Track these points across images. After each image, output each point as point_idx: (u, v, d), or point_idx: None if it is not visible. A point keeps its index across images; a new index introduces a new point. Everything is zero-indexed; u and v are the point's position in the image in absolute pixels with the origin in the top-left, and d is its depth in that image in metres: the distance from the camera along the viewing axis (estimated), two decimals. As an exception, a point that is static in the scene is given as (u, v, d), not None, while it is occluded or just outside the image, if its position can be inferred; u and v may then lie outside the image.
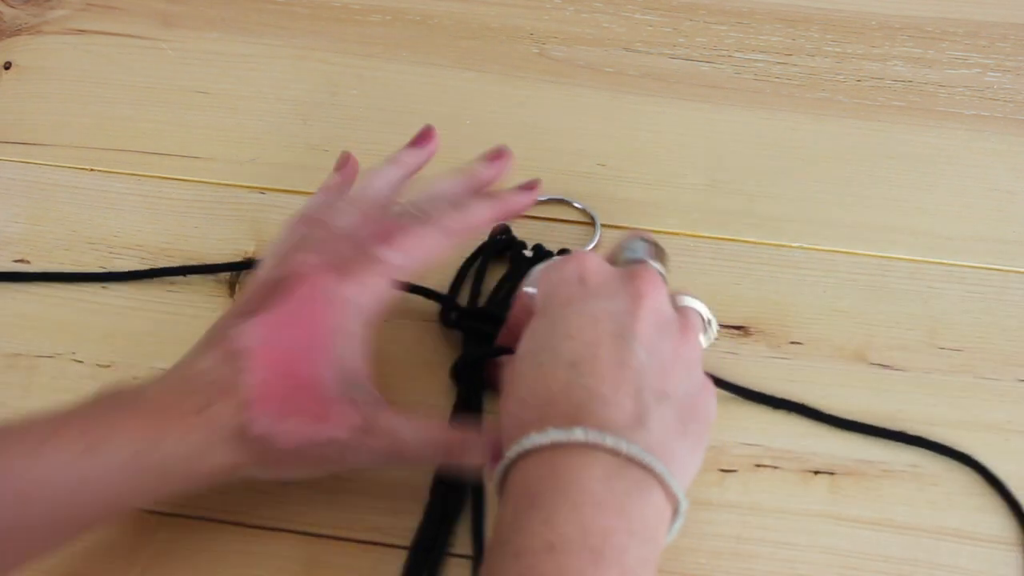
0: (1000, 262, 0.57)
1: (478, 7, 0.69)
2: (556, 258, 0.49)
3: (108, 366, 0.53)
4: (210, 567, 0.46)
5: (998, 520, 0.48)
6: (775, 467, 0.50)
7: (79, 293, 0.56)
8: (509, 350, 0.46)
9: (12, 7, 0.70)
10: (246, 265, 0.56)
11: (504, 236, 0.56)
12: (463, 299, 0.55)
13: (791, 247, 0.58)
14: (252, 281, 0.48)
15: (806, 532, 0.48)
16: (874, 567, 0.47)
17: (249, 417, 0.41)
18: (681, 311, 0.45)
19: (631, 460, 0.37)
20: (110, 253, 0.58)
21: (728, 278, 0.56)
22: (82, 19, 0.69)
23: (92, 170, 0.61)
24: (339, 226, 0.47)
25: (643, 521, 0.37)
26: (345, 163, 0.53)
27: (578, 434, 0.37)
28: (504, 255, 0.56)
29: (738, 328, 0.54)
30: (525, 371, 0.41)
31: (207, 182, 0.61)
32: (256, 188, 0.60)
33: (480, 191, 0.50)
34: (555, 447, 0.38)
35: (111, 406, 0.41)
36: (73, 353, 0.53)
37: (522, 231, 0.57)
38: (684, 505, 0.38)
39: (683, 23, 0.68)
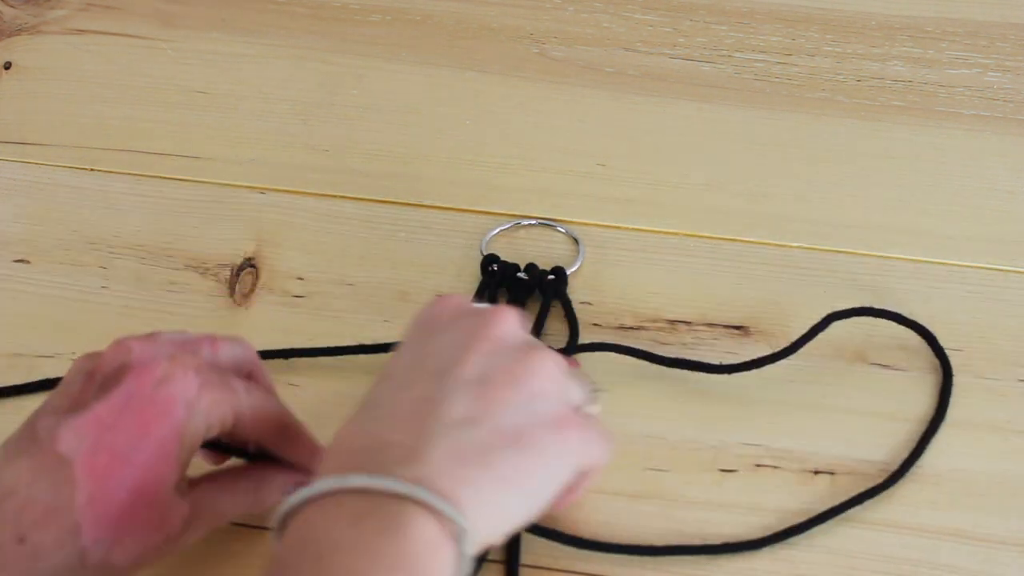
0: (1000, 262, 0.57)
1: (478, 7, 0.69)
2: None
3: (108, 366, 0.53)
4: (213, 567, 0.46)
5: (997, 519, 0.48)
6: (775, 467, 0.50)
7: (79, 293, 0.56)
8: None
9: (12, 7, 0.70)
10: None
11: (494, 267, 0.55)
12: None
13: (791, 247, 0.58)
14: (74, 369, 0.42)
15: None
16: (874, 567, 0.47)
17: (82, 546, 0.36)
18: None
19: (385, 495, 0.34)
20: (110, 253, 0.58)
21: (728, 278, 0.56)
22: (82, 19, 0.69)
23: (92, 170, 0.61)
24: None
25: (404, 557, 0.33)
26: None
27: (324, 484, 0.34)
28: (503, 286, 0.55)
29: (738, 328, 0.54)
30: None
31: (207, 182, 0.61)
32: (256, 188, 0.60)
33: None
34: (311, 502, 0.34)
35: None
36: (73, 353, 0.53)
37: (509, 254, 0.56)
38: (463, 524, 0.34)
39: (683, 23, 0.68)
